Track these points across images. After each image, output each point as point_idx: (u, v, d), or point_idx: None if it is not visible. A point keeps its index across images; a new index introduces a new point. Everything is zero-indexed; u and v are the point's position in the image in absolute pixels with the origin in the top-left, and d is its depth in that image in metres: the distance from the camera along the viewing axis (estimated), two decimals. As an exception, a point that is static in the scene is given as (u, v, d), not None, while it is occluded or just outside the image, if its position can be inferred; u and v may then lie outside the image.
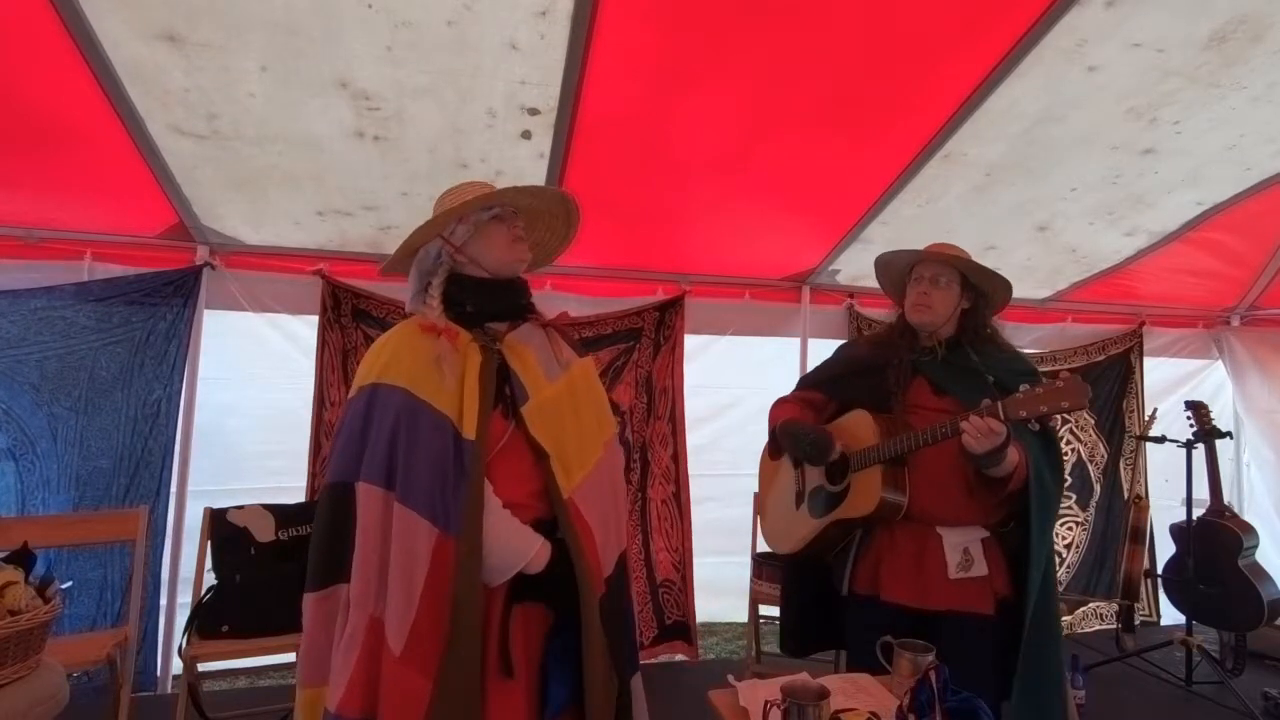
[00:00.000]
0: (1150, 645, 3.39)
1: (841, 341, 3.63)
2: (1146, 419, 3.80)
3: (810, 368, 3.58)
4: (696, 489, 3.50)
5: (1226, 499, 3.39)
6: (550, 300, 3.17)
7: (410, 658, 1.17)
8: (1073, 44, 2.09)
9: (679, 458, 3.47)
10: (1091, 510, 4.00)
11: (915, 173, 2.69)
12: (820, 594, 1.90)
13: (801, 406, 1.96)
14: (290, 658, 2.47)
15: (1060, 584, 3.92)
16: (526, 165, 2.53)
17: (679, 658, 3.43)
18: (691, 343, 3.49)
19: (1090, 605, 3.98)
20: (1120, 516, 3.96)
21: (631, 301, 3.41)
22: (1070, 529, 3.96)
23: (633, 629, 1.50)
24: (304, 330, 3.10)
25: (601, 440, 1.47)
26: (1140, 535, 3.70)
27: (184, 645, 2.35)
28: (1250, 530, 3.30)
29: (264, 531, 2.60)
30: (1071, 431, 3.98)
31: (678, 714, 2.04)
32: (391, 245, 2.97)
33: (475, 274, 1.40)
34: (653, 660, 3.36)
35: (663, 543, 3.45)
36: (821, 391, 1.99)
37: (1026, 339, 3.93)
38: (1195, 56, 2.16)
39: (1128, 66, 2.19)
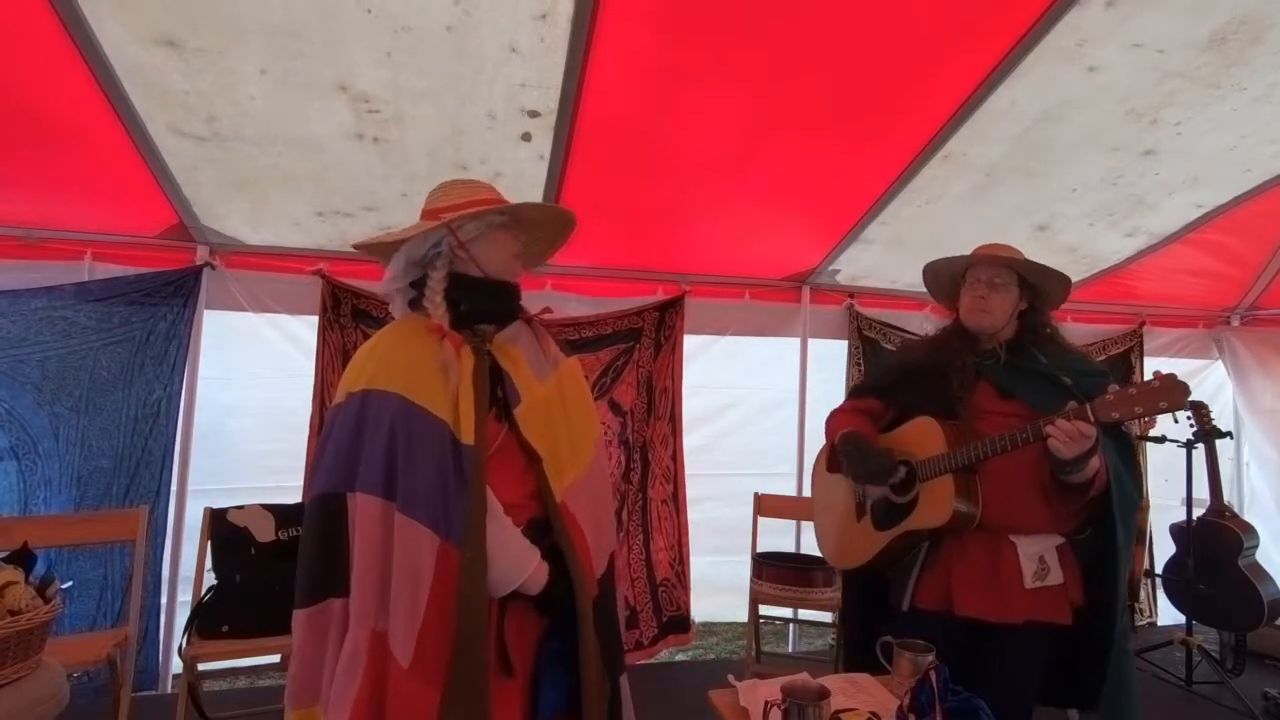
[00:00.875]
0: (1150, 645, 3.39)
1: (843, 342, 3.67)
2: (1146, 419, 3.80)
3: (810, 368, 3.62)
4: (697, 489, 3.50)
5: (1226, 499, 3.39)
6: (550, 300, 3.16)
7: (418, 669, 1.14)
8: (1073, 44, 2.09)
9: (678, 457, 3.47)
10: (1091, 510, 3.99)
11: (915, 173, 2.69)
12: (886, 609, 1.81)
13: (859, 417, 1.88)
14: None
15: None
16: (526, 167, 2.53)
17: (679, 656, 3.43)
18: (691, 343, 3.49)
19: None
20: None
21: (631, 301, 3.42)
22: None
23: (620, 629, 1.48)
24: (304, 330, 3.10)
25: (592, 440, 1.45)
26: (1140, 535, 3.70)
27: (184, 645, 2.35)
28: (1250, 530, 3.30)
29: (264, 531, 2.60)
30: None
31: (678, 714, 2.04)
32: (392, 245, 2.99)
33: (472, 273, 1.37)
34: (652, 659, 3.36)
35: (662, 542, 3.45)
36: (879, 399, 1.91)
37: (1026, 339, 3.92)
38: (1196, 57, 2.15)
39: (1128, 67, 2.19)
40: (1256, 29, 2.04)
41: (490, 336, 1.38)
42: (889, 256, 3.34)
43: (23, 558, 1.72)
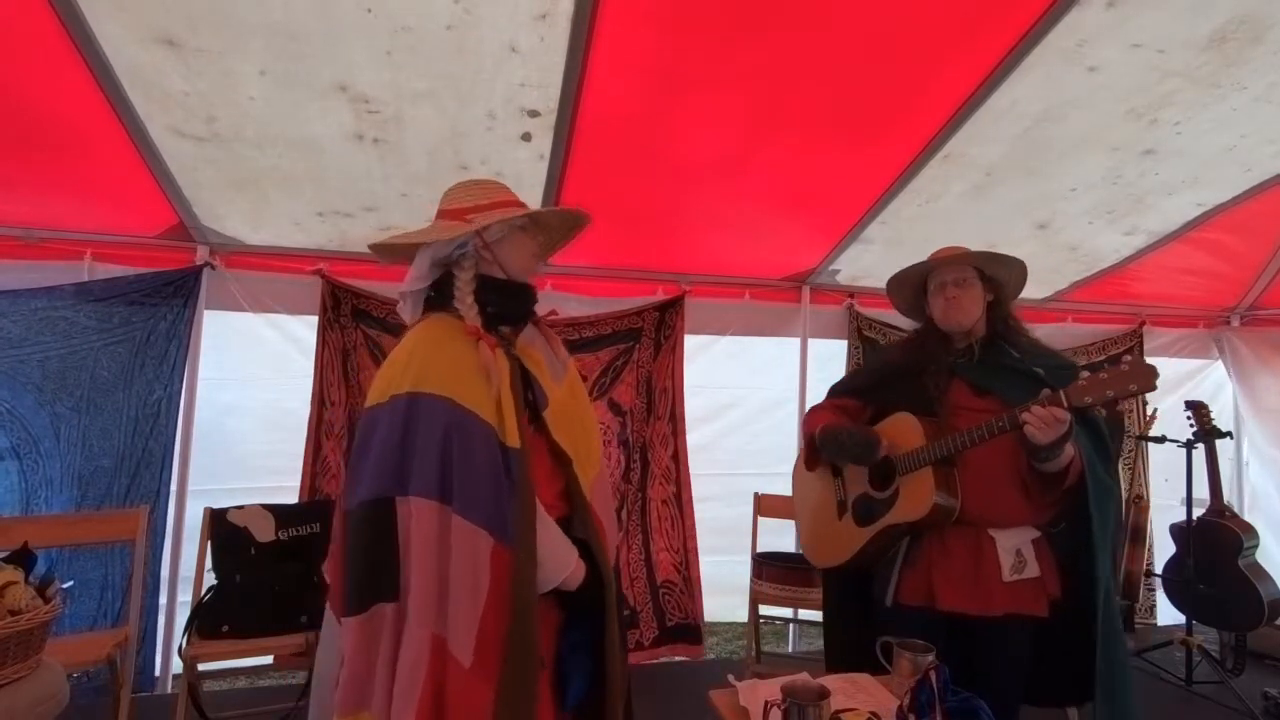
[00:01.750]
0: (1150, 645, 3.39)
1: (843, 342, 3.67)
2: (1146, 419, 3.81)
3: (810, 367, 3.62)
4: (697, 488, 3.50)
5: (1226, 499, 3.39)
6: (550, 300, 3.17)
7: (479, 669, 1.16)
8: (1073, 44, 2.09)
9: (679, 457, 3.47)
10: (1091, 510, 3.98)
11: (915, 173, 2.69)
12: (867, 607, 1.84)
13: (837, 414, 1.91)
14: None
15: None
16: (526, 167, 2.53)
17: (678, 656, 3.42)
18: (691, 343, 3.49)
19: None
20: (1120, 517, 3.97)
21: (631, 301, 3.42)
22: (1070, 529, 3.95)
23: (627, 620, 1.53)
24: (303, 331, 3.10)
25: (599, 438, 1.51)
26: (1140, 535, 3.70)
27: (184, 645, 2.35)
28: (1250, 530, 3.30)
29: (264, 531, 2.60)
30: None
31: (678, 714, 2.04)
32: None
33: (497, 275, 1.39)
34: (654, 661, 3.36)
35: (663, 543, 3.45)
36: (857, 398, 1.95)
37: (1026, 339, 3.92)
38: (1196, 57, 2.15)
39: (1128, 67, 2.19)
40: (1256, 28, 2.04)
41: (513, 339, 1.40)
42: (889, 256, 3.34)
43: (23, 558, 1.72)
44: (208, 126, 2.27)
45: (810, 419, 1.95)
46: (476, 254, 1.37)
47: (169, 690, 2.84)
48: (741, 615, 3.22)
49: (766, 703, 1.25)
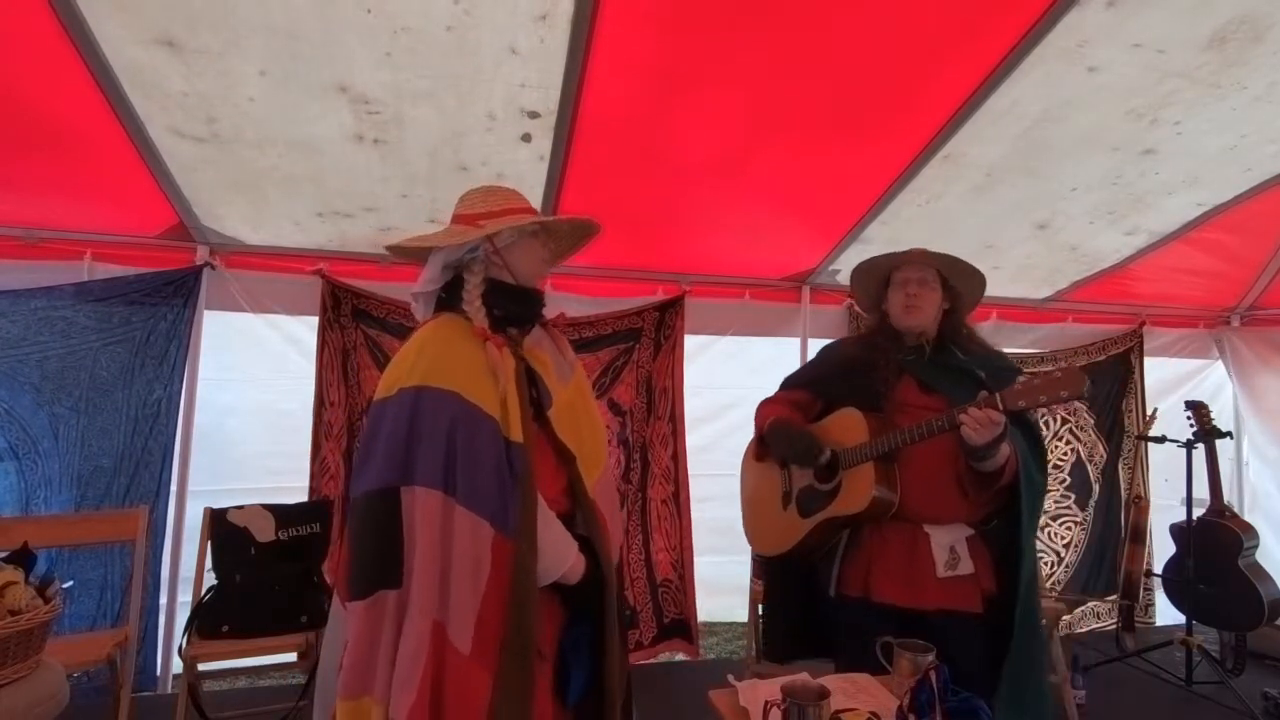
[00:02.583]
0: (1150, 645, 3.39)
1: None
2: (1146, 419, 3.81)
3: (810, 367, 3.62)
4: (697, 489, 3.50)
5: (1226, 499, 3.39)
6: (550, 300, 3.16)
7: (477, 656, 1.19)
8: (1073, 44, 2.09)
9: (679, 457, 3.47)
10: (1090, 510, 3.99)
11: (915, 173, 2.69)
12: (807, 598, 1.90)
13: (789, 407, 1.96)
14: (290, 657, 2.47)
15: (1059, 583, 3.92)
16: (526, 168, 2.53)
17: (679, 657, 3.43)
18: (691, 343, 3.49)
19: (1088, 605, 3.98)
20: (1119, 516, 3.96)
21: (631, 301, 3.42)
22: (1069, 529, 3.96)
23: (629, 619, 1.54)
24: (303, 332, 3.10)
25: (605, 438, 1.55)
26: (1140, 535, 3.70)
27: (184, 645, 2.36)
28: (1250, 530, 3.30)
29: (264, 531, 2.60)
30: (1071, 431, 3.98)
31: (678, 714, 2.04)
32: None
33: (506, 280, 1.43)
34: (653, 660, 3.36)
35: (662, 542, 3.45)
36: (808, 391, 2.00)
37: (1026, 339, 3.92)
38: (1196, 57, 2.15)
39: (1129, 67, 2.19)
40: (1257, 28, 2.04)
41: (520, 340, 1.44)
42: (889, 256, 3.34)
43: (23, 558, 1.72)
44: (207, 127, 2.27)
45: (762, 411, 1.99)
46: (486, 259, 1.40)
47: (169, 690, 2.84)
48: (741, 615, 3.22)
49: (766, 703, 1.25)
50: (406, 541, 1.22)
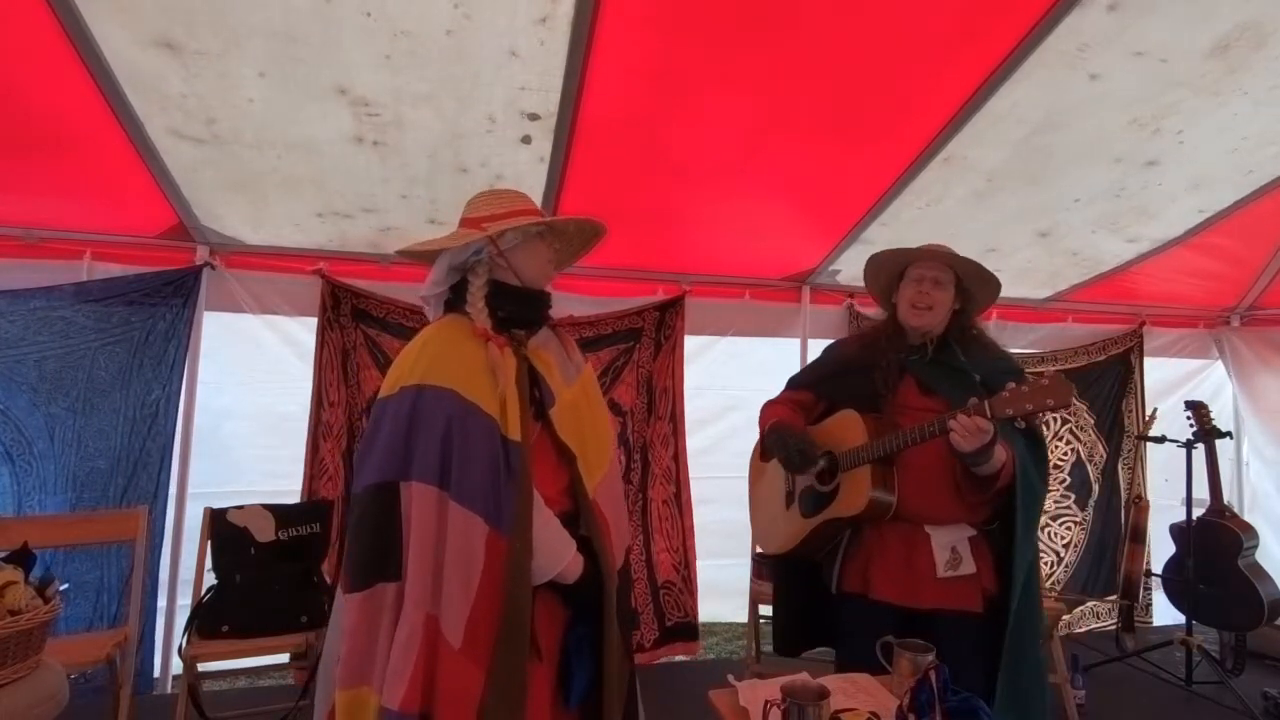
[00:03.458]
0: (1150, 645, 3.39)
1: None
2: (1146, 419, 3.81)
3: (809, 368, 3.62)
4: (699, 491, 3.50)
5: (1226, 499, 3.39)
6: (553, 300, 3.17)
7: (467, 650, 1.20)
8: (1074, 48, 2.08)
9: (679, 458, 3.47)
10: (1090, 510, 3.99)
11: (915, 174, 2.69)
12: (812, 593, 1.91)
13: (791, 408, 1.96)
14: (287, 657, 2.47)
15: (1059, 583, 3.92)
16: (526, 170, 2.53)
17: (679, 656, 3.42)
18: (692, 344, 3.49)
19: (1088, 605, 3.98)
20: (1119, 516, 3.96)
21: (631, 301, 3.42)
22: (1069, 529, 3.96)
23: (633, 616, 1.54)
24: (302, 334, 3.10)
25: (611, 441, 1.54)
26: (1140, 535, 3.70)
27: (184, 645, 2.35)
28: (1250, 530, 3.30)
29: (264, 531, 2.60)
30: (1071, 431, 3.98)
31: (678, 714, 2.04)
32: (391, 246, 2.99)
33: (510, 281, 1.44)
34: (654, 661, 3.36)
35: (664, 543, 3.45)
36: (811, 392, 2.00)
37: (1026, 339, 3.93)
38: (1198, 65, 2.14)
39: (1130, 76, 2.18)
40: (1259, 34, 2.03)
41: (524, 341, 1.45)
42: (889, 257, 3.34)
43: (23, 558, 1.71)
44: (207, 129, 2.27)
45: (766, 412, 1.99)
46: (491, 260, 1.42)
47: (169, 690, 2.84)
48: (741, 615, 3.22)
49: (766, 703, 1.24)
50: (405, 535, 1.25)
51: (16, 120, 2.20)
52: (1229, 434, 3.53)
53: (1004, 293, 1.89)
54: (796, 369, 3.56)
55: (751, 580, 3.06)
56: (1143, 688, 3.25)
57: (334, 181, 2.58)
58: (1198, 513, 3.29)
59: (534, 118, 2.30)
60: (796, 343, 3.61)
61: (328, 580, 2.62)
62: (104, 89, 2.06)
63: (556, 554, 1.32)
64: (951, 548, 1.70)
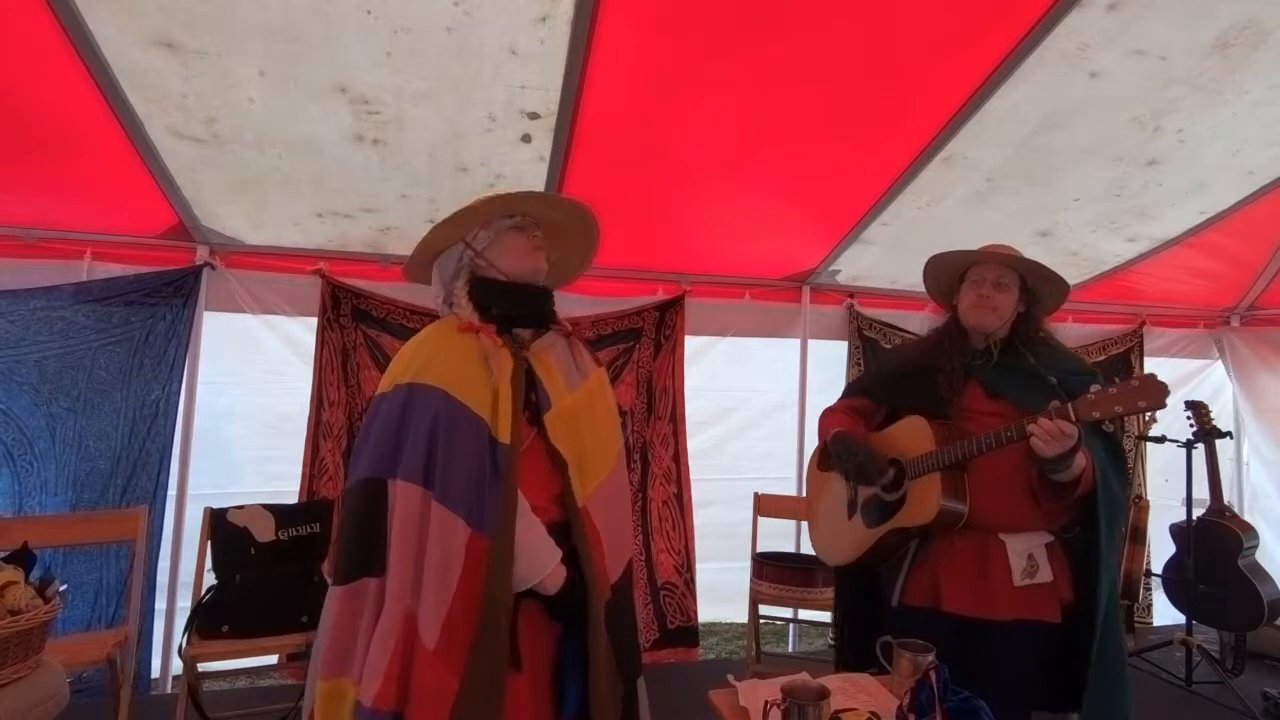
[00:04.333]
0: (1150, 645, 3.39)
1: (843, 344, 3.66)
2: (1146, 419, 3.80)
3: (810, 370, 3.62)
4: (698, 494, 3.49)
5: (1226, 499, 3.39)
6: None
7: (442, 652, 1.20)
8: (1074, 48, 2.08)
9: (680, 458, 3.47)
10: (1091, 510, 3.98)
11: (916, 174, 2.69)
12: (876, 606, 1.83)
13: (851, 415, 1.89)
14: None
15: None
16: (526, 169, 2.53)
17: (679, 660, 3.42)
18: (692, 345, 3.49)
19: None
20: (1120, 517, 3.96)
21: (632, 301, 3.41)
22: (1070, 529, 3.95)
23: (637, 632, 1.51)
24: (302, 334, 3.10)
25: (614, 450, 1.51)
26: (1140, 535, 3.70)
27: (184, 645, 2.35)
28: (1250, 530, 3.30)
29: (264, 531, 2.60)
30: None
31: (678, 714, 2.04)
32: (392, 246, 2.99)
33: (495, 277, 1.44)
34: (654, 663, 3.35)
35: (664, 544, 3.44)
36: (870, 398, 1.94)
37: (1026, 339, 3.92)
38: (1199, 64, 2.14)
39: (1131, 74, 2.18)
40: (1259, 32, 2.03)
41: (526, 342, 1.45)
42: (890, 257, 3.34)
43: (23, 558, 1.72)
44: (207, 128, 2.27)
45: (825, 420, 1.93)
46: (471, 263, 1.44)
47: (169, 690, 2.84)
48: (741, 615, 3.22)
49: (766, 703, 1.24)
50: (390, 532, 1.25)
51: (16, 120, 2.20)
52: (1229, 434, 3.53)
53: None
54: (797, 370, 3.61)
55: (751, 579, 3.05)
56: (1142, 688, 3.24)
57: (334, 181, 2.58)
58: (1198, 513, 3.29)
59: (534, 116, 2.30)
60: (796, 343, 3.62)
61: (328, 580, 2.62)
62: (104, 89, 2.06)
63: (540, 562, 1.29)
64: (1028, 555, 1.63)
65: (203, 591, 2.51)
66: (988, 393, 1.72)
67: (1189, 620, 3.25)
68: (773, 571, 2.95)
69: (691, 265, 3.42)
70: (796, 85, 2.27)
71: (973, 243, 1.85)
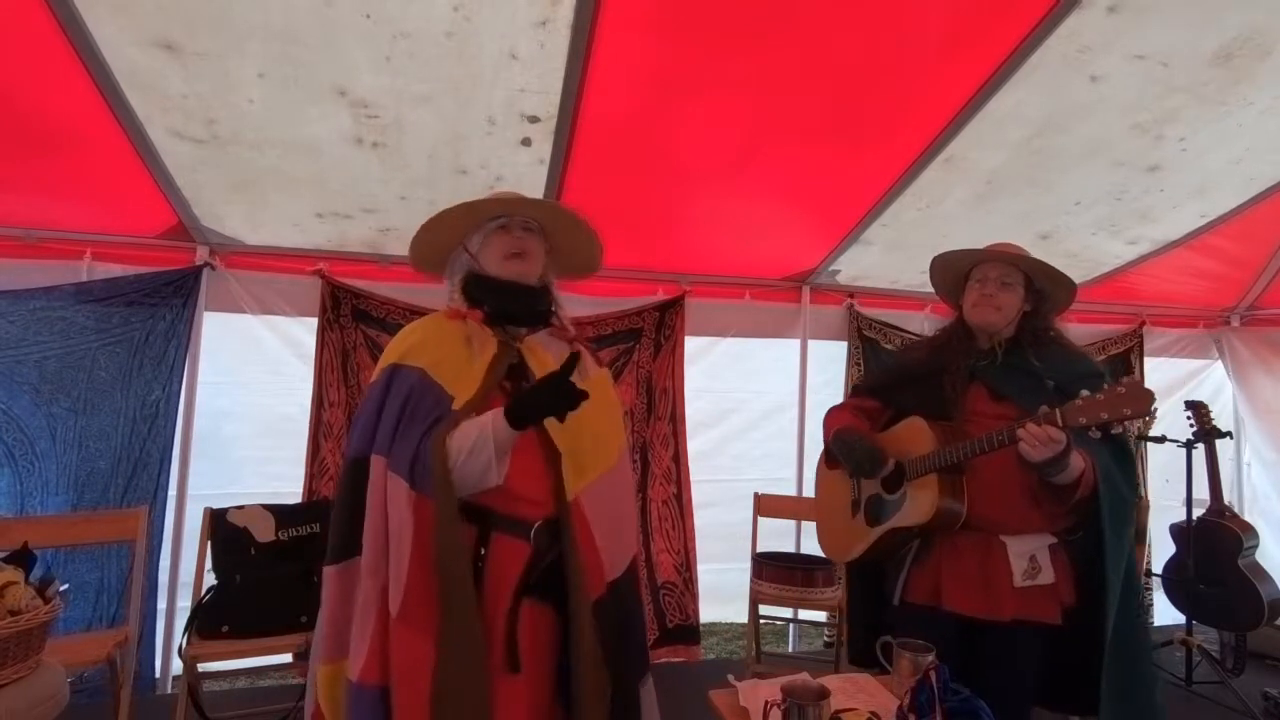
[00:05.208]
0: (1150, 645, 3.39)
1: (843, 345, 3.66)
2: (1146, 419, 3.80)
3: (810, 370, 3.62)
4: (698, 495, 3.49)
5: (1226, 499, 3.39)
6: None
7: (407, 617, 1.20)
8: (1074, 49, 2.08)
9: (680, 458, 3.47)
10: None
11: (916, 175, 2.69)
12: (882, 603, 1.84)
13: (857, 414, 1.91)
14: (290, 658, 2.47)
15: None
16: (526, 171, 2.53)
17: (678, 659, 3.42)
18: (692, 346, 3.49)
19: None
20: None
21: (632, 301, 3.41)
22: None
23: (641, 632, 1.50)
24: (302, 334, 3.10)
25: (615, 446, 1.51)
26: (1140, 535, 3.69)
27: (184, 645, 2.35)
28: (1250, 530, 3.30)
29: (264, 531, 2.60)
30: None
31: (678, 714, 2.04)
32: (391, 246, 2.99)
33: (488, 276, 1.47)
34: (654, 662, 3.35)
35: (664, 544, 3.44)
36: (877, 399, 1.94)
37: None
38: (1201, 73, 2.13)
39: (1131, 79, 2.18)
40: (1264, 43, 2.02)
41: (520, 337, 1.48)
42: (889, 258, 3.34)
43: (23, 558, 1.72)
44: (207, 129, 2.27)
45: (830, 419, 1.94)
46: (468, 264, 1.49)
47: (169, 690, 2.84)
48: (741, 615, 3.22)
49: (766, 703, 1.25)
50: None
51: (16, 120, 2.20)
52: (1229, 434, 3.53)
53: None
54: (797, 370, 3.61)
55: (751, 579, 3.05)
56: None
57: (334, 182, 2.58)
58: (1198, 513, 3.29)
59: (534, 120, 2.30)
60: (796, 343, 3.62)
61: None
62: (104, 89, 2.06)
63: (475, 439, 1.24)
64: (1030, 556, 1.63)
65: (203, 592, 2.51)
66: (993, 395, 1.72)
67: (1189, 620, 3.25)
68: (773, 571, 2.95)
69: (691, 265, 3.42)
70: (797, 86, 2.27)
71: (973, 244, 1.85)
